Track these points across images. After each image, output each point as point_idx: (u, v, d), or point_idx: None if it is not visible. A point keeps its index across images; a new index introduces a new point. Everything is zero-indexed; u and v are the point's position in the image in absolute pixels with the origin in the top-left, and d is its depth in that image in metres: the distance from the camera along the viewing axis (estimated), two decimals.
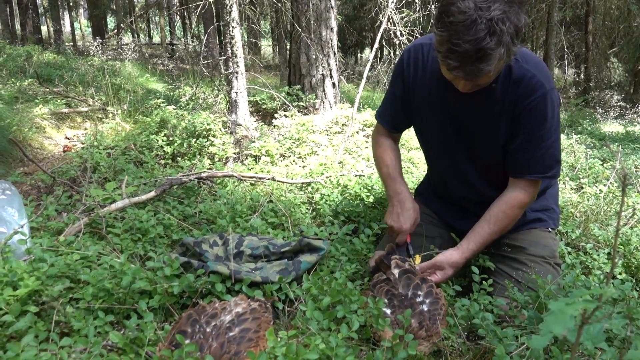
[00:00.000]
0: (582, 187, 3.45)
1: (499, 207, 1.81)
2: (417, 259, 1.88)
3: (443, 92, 1.79)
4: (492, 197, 1.87)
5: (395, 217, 1.96)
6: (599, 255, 2.21)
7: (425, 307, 1.58)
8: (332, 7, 5.53)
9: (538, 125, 1.70)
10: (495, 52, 1.42)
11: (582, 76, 13.26)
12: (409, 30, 5.50)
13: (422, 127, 2.02)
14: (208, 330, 1.36)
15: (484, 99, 1.72)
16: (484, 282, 1.75)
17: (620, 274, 2.15)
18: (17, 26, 15.06)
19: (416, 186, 2.48)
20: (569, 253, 2.22)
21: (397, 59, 2.01)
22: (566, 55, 13.01)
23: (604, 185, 3.37)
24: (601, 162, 4.20)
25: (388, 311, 1.60)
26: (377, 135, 2.15)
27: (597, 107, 10.79)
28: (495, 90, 1.70)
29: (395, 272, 1.72)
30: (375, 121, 2.18)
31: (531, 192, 1.80)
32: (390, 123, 2.08)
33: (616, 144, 5.99)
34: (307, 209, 2.74)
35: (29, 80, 5.79)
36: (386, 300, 1.62)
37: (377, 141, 2.14)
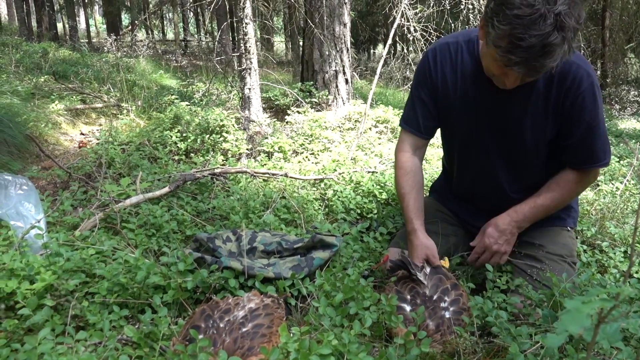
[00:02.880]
0: (598, 185, 3.41)
1: (552, 180, 1.82)
2: (446, 262, 1.86)
3: (479, 91, 1.75)
4: (518, 202, 1.85)
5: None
6: (615, 253, 2.18)
7: (447, 314, 1.57)
8: (345, 3, 5.51)
9: (593, 114, 1.67)
10: (560, 48, 1.38)
11: (598, 72, 13.07)
12: (422, 26, 5.46)
13: (451, 128, 1.95)
14: (221, 325, 1.37)
15: (526, 95, 1.68)
16: (497, 279, 1.74)
17: (637, 272, 2.12)
18: (34, 23, 15.23)
19: (431, 183, 2.46)
20: (585, 251, 2.19)
21: (420, 59, 1.92)
22: (582, 51, 12.82)
23: (621, 182, 3.32)
24: (618, 159, 4.15)
25: (408, 308, 1.59)
26: (400, 153, 1.99)
27: (614, 104, 10.63)
28: (537, 84, 1.66)
29: (427, 269, 1.71)
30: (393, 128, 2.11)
31: (587, 179, 1.81)
32: (418, 127, 1.94)
33: (633, 140, 5.90)
34: (320, 205, 2.74)
35: (45, 76, 5.86)
36: (409, 297, 1.62)
37: (398, 161, 1.98)
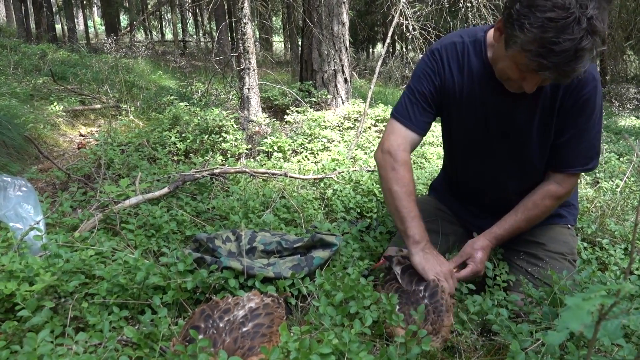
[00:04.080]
0: (598, 182, 3.41)
1: (529, 198, 1.78)
2: None
3: (486, 93, 1.73)
4: (518, 202, 1.84)
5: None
6: (615, 250, 2.18)
7: (426, 301, 1.58)
8: (343, 2, 5.51)
9: (587, 118, 1.66)
10: (590, 53, 1.35)
11: (598, 69, 13.07)
12: (421, 24, 5.45)
13: (456, 129, 1.91)
14: (221, 325, 1.37)
15: (534, 97, 1.66)
16: (497, 277, 1.73)
17: (637, 269, 2.12)
18: (32, 25, 15.23)
19: (430, 181, 2.46)
20: (585, 249, 2.19)
21: (425, 55, 1.85)
22: None
23: (620, 179, 3.32)
24: (617, 157, 4.15)
25: (396, 307, 1.59)
26: (401, 152, 1.83)
27: (614, 101, 10.63)
28: (545, 86, 1.64)
29: (398, 269, 1.72)
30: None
31: (567, 186, 1.77)
32: (419, 124, 1.85)
33: (632, 137, 5.90)
34: (320, 204, 2.74)
35: (44, 78, 5.85)
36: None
37: (402, 160, 1.82)
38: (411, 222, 1.76)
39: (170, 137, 3.76)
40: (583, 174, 3.50)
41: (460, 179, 2.08)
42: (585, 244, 2.22)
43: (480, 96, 1.75)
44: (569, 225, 2.00)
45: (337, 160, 3.53)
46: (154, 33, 22.90)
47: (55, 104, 4.74)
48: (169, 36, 23.79)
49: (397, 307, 1.59)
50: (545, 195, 1.77)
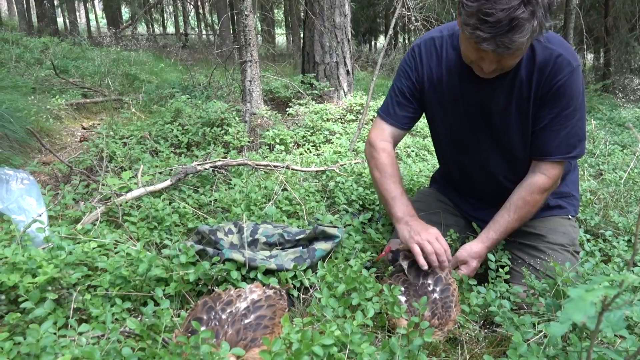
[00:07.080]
0: (601, 174, 3.40)
1: (519, 194, 1.77)
2: None
3: (465, 84, 1.74)
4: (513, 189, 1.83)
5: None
6: (618, 242, 2.17)
7: (436, 295, 1.57)
8: None
9: (565, 104, 1.65)
10: (529, 23, 1.37)
11: (601, 60, 12.98)
12: (423, 16, 5.42)
13: (441, 124, 1.93)
14: (223, 317, 1.37)
15: (510, 85, 1.67)
16: (500, 269, 1.73)
17: None
18: (34, 18, 15.20)
19: (432, 173, 2.45)
20: (588, 240, 2.18)
21: (406, 54, 1.92)
22: (585, 40, 12.71)
23: (624, 171, 3.31)
24: (621, 148, 4.13)
25: (403, 299, 1.59)
26: (383, 142, 1.94)
27: (618, 92, 10.57)
28: (520, 74, 1.65)
29: (405, 263, 1.72)
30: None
31: (553, 176, 1.75)
32: (401, 120, 1.94)
33: (637, 129, 5.87)
34: (322, 197, 2.73)
35: (46, 71, 5.84)
36: (402, 289, 1.62)
37: (383, 150, 1.93)
38: (392, 201, 1.83)
39: (172, 129, 3.75)
40: (587, 166, 3.49)
41: (452, 172, 2.09)
42: (588, 236, 2.21)
43: (459, 87, 1.77)
44: (570, 216, 1.99)
45: (340, 152, 3.52)
46: (156, 26, 22.83)
47: (57, 97, 4.74)
48: (170, 29, 23.72)
49: (405, 299, 1.59)
50: (533, 190, 1.75)
